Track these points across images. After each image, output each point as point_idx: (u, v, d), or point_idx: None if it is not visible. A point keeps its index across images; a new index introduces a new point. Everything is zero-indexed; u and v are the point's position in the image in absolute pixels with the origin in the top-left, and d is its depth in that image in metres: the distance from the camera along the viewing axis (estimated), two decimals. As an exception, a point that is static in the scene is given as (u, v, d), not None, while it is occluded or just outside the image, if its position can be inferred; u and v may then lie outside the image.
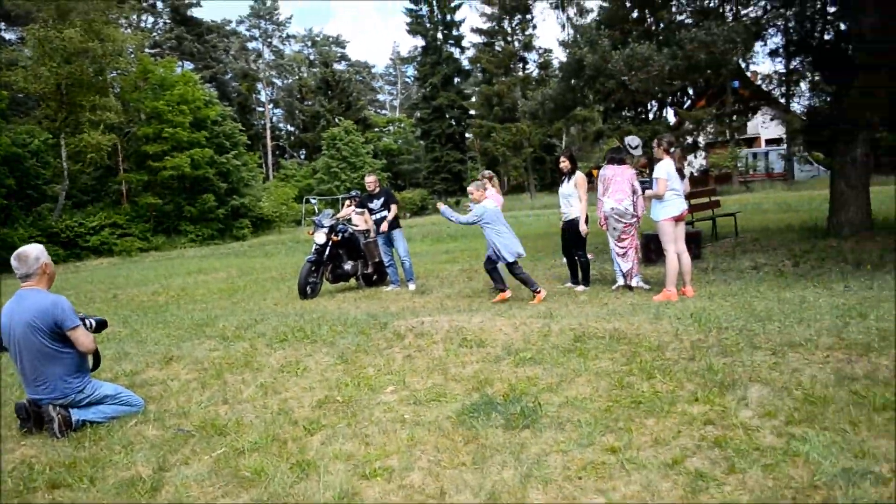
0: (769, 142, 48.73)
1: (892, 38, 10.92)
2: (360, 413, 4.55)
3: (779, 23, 17.51)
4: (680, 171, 8.33)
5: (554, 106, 12.23)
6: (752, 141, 49.02)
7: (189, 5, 59.73)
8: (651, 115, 45.70)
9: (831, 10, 15.67)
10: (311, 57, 75.94)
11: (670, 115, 44.43)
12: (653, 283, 8.99)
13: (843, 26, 15.31)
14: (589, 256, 9.75)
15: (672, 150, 8.28)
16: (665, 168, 7.89)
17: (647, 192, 8.33)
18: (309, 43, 77.98)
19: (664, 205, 7.94)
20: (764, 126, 44.80)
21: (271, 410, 4.77)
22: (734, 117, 38.92)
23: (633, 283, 8.90)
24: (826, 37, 16.19)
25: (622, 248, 8.77)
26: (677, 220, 8.00)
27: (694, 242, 10.84)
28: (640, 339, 5.31)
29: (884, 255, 9.63)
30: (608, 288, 9.09)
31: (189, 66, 57.06)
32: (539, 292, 8.49)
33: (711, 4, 14.21)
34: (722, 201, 16.23)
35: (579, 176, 9.08)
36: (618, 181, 8.61)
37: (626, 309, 7.13)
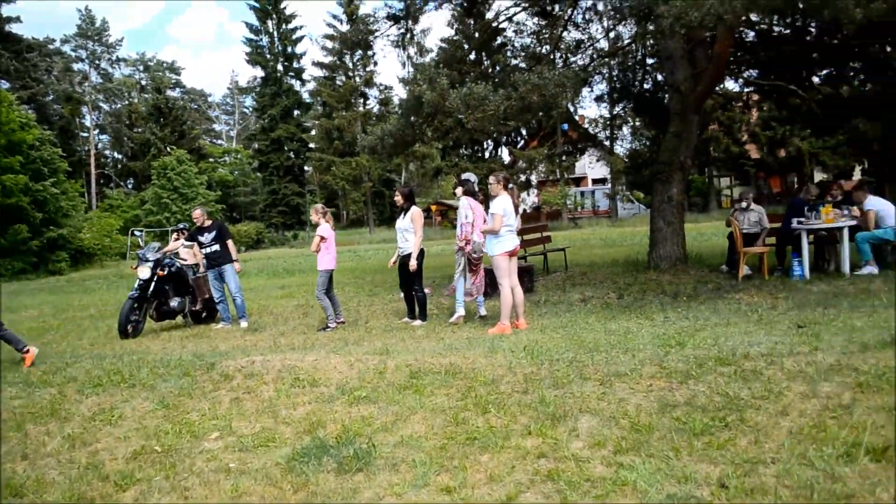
0: (595, 181, 51.93)
1: (701, 89, 11.91)
2: (180, 463, 4.20)
3: (604, 71, 18.74)
4: (516, 208, 8.56)
5: (393, 141, 12.23)
6: (580, 180, 51.95)
7: (7, 20, 55.21)
8: (487, 154, 47.43)
9: (650, 62, 16.97)
10: (143, 82, 72.36)
11: (505, 154, 46.31)
12: (488, 317, 9.13)
13: (659, 77, 16.59)
14: (426, 291, 9.77)
15: (510, 186, 8.50)
16: (502, 204, 8.06)
17: (483, 227, 8.49)
18: (141, 67, 74.33)
19: (499, 240, 8.10)
20: (590, 166, 47.80)
21: (78, 465, 4.31)
22: (564, 157, 41.18)
23: (483, 311, 9.16)
24: (646, 86, 17.50)
25: (473, 277, 8.91)
26: (511, 254, 8.19)
27: (527, 276, 11.16)
28: (475, 374, 5.30)
29: (697, 287, 10.34)
30: (445, 322, 9.12)
31: (5, 84, 52.56)
32: (28, 352, 7.45)
33: (543, 51, 14.90)
34: (552, 237, 16.91)
35: (415, 211, 9.13)
36: (478, 216, 8.75)
37: (462, 343, 7.15)
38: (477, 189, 9.29)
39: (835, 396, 4.15)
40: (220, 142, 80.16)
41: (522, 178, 41.99)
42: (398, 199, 9.41)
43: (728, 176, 45.30)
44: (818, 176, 39.34)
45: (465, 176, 9.56)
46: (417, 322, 9.21)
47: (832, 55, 14.50)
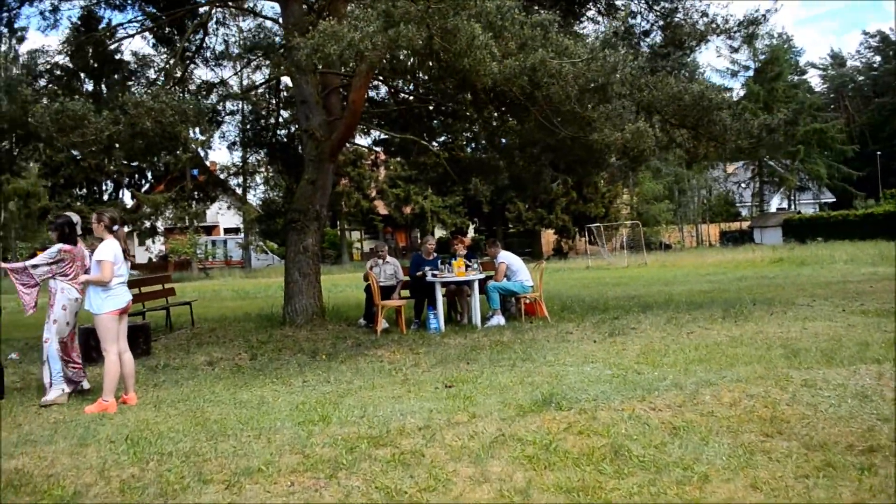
0: (227, 230, 50.20)
1: (336, 137, 11.51)
2: None
3: (236, 116, 17.81)
4: (126, 254, 6.96)
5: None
6: (211, 229, 49.79)
7: None
8: (107, 196, 42.96)
9: (284, 114, 16.47)
10: None
11: (128, 197, 42.43)
12: (91, 389, 7.29)
13: (293, 128, 16.13)
14: (13, 356, 7.62)
15: (115, 228, 6.87)
16: (111, 250, 6.47)
17: (85, 277, 6.73)
18: None
19: (109, 295, 6.46)
20: (222, 214, 46.00)
21: None
22: (193, 204, 38.93)
23: (86, 385, 7.18)
24: (280, 132, 16.92)
25: (70, 346, 7.00)
26: (122, 313, 6.63)
27: (143, 336, 9.48)
28: (48, 486, 3.77)
29: (336, 343, 9.68)
30: (31, 400, 7.08)
31: None
32: None
33: (160, 81, 13.42)
34: (180, 288, 15.17)
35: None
36: (78, 263, 6.92)
37: (46, 431, 5.41)
38: (80, 232, 7.46)
39: (507, 478, 3.55)
40: None
41: (147, 224, 38.80)
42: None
43: (358, 230, 47.09)
44: (439, 232, 42.77)
45: (70, 215, 7.72)
46: (-12, 402, 7.03)
47: (452, 120, 15.37)
